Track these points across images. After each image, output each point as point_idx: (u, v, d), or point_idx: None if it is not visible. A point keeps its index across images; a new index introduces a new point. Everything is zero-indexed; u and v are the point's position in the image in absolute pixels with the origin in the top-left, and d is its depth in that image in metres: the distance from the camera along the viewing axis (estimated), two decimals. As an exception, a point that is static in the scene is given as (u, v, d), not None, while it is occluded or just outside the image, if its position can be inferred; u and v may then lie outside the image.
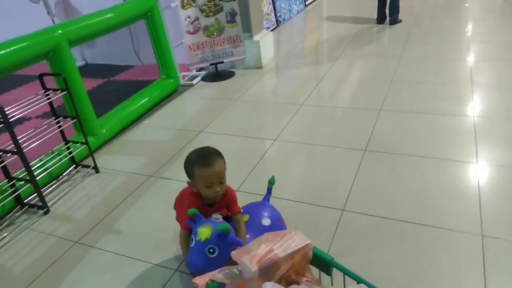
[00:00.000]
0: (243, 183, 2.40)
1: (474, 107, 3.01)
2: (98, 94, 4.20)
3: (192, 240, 1.44)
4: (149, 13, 3.53)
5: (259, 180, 2.39)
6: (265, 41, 4.40)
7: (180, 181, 2.45)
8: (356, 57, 4.38)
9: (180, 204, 1.68)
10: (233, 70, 4.37)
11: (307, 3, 7.04)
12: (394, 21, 5.41)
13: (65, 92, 2.54)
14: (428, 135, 2.71)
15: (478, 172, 2.27)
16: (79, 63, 5.21)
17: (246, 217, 1.64)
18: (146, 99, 3.49)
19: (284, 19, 6.13)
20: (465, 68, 3.75)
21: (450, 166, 2.35)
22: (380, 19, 5.49)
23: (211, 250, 1.39)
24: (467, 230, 1.86)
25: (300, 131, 2.96)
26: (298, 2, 6.66)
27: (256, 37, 4.28)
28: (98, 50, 5.27)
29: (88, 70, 5.13)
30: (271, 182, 1.80)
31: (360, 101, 3.32)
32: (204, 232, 1.40)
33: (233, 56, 4.20)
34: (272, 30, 5.69)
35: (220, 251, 1.39)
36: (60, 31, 2.61)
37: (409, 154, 2.51)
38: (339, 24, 5.84)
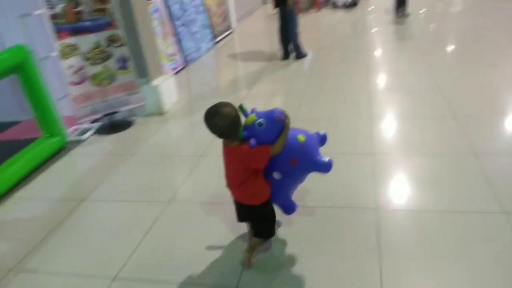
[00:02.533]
0: (124, 265, 2.02)
1: (373, 144, 2.95)
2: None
3: (246, 130, 1.71)
4: (20, 67, 3.06)
5: (148, 259, 2.03)
6: (166, 85, 4.10)
7: (49, 273, 1.99)
8: (261, 97, 4.24)
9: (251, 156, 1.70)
10: (133, 118, 4.00)
11: (216, 40, 6.94)
12: (299, 56, 5.41)
13: None
14: (324, 184, 2.46)
15: (377, 219, 2.13)
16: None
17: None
18: (20, 165, 2.97)
19: (192, 59, 5.91)
20: (365, 100, 3.74)
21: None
22: (285, 55, 5.45)
23: (260, 123, 1.68)
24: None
25: (200, 189, 2.65)
26: (207, 40, 6.51)
27: (155, 82, 3.97)
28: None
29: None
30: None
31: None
32: (250, 117, 1.72)
33: (130, 104, 3.83)
34: (179, 71, 5.44)
35: (267, 123, 1.68)
36: None
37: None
38: (247, 62, 5.75)
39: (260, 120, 1.68)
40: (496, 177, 2.36)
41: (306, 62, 5.26)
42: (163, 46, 5.23)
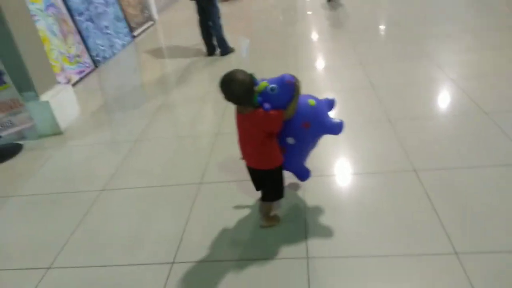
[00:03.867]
0: None
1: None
2: None
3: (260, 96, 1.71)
4: None
5: None
6: (62, 98, 3.39)
7: None
8: (179, 105, 3.67)
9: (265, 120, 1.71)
10: (22, 142, 3.27)
11: (135, 34, 6.18)
12: (225, 51, 4.88)
13: None
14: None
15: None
16: None
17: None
18: None
19: (104, 58, 5.15)
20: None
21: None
22: (210, 51, 4.90)
23: (272, 88, 1.70)
24: None
25: (86, 251, 2.08)
26: (122, 35, 5.74)
27: (44, 96, 3.25)
28: None
29: None
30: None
31: (178, 174, 2.58)
32: (262, 83, 1.72)
33: (14, 127, 3.09)
34: (87, 75, 4.68)
35: (279, 88, 1.70)
36: None
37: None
38: (168, 58, 5.11)
39: (273, 86, 1.71)
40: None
41: (231, 60, 4.74)
42: (64, 47, 4.44)
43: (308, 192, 2.21)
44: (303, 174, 2.08)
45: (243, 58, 4.75)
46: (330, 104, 1.94)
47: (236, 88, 1.64)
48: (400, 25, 5.12)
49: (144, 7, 6.77)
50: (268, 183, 1.92)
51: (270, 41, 5.27)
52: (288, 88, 1.72)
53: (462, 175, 2.18)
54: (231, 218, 2.10)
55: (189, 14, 5.05)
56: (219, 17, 4.67)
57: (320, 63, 4.28)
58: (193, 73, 4.43)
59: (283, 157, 1.85)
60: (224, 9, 5.05)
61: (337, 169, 2.42)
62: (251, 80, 1.67)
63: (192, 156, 2.77)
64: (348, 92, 3.39)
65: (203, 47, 4.94)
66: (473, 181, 2.13)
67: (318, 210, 2.07)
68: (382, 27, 5.34)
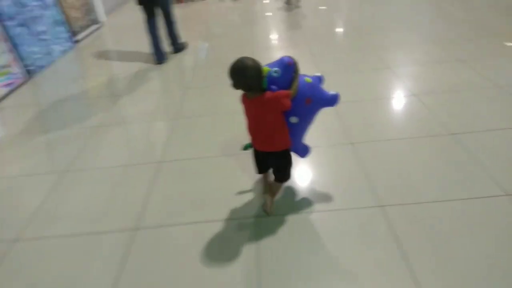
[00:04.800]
0: None
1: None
2: None
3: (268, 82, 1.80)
4: None
5: None
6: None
7: None
8: (121, 124, 3.27)
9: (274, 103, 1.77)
10: None
11: (78, 38, 5.65)
12: (179, 48, 4.83)
13: None
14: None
15: None
16: None
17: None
18: None
19: (40, 67, 4.62)
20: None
21: None
22: (160, 59, 4.54)
23: (276, 71, 1.78)
24: None
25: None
26: (62, 40, 5.21)
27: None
28: None
29: None
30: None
31: (110, 217, 2.21)
32: (264, 69, 1.77)
33: None
34: (17, 87, 4.15)
35: (281, 70, 1.78)
36: None
37: None
38: (114, 66, 4.65)
39: (275, 68, 1.79)
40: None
41: (182, 67, 4.40)
42: (-12, 56, 3.89)
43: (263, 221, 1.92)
44: (304, 151, 2.20)
45: (200, 62, 4.43)
46: (321, 79, 2.05)
47: (249, 74, 1.70)
48: (359, 31, 4.96)
49: (90, 9, 6.23)
50: (283, 163, 2.04)
51: (226, 44, 4.97)
52: (289, 69, 1.81)
53: (432, 208, 1.99)
54: (170, 275, 1.77)
55: (140, 17, 4.65)
56: (173, 14, 4.60)
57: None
58: (141, 84, 4.03)
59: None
60: (179, 12, 4.75)
61: (292, 206, 2.15)
62: (260, 65, 1.73)
63: (129, 192, 2.40)
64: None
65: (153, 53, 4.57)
66: (443, 212, 1.94)
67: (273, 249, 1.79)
68: (340, 33, 5.17)
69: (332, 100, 1.96)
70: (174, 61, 4.62)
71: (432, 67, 3.74)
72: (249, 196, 2.23)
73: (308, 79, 1.91)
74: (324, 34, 5.05)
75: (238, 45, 4.99)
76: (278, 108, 1.78)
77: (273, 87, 1.78)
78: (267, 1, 7.42)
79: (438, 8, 5.75)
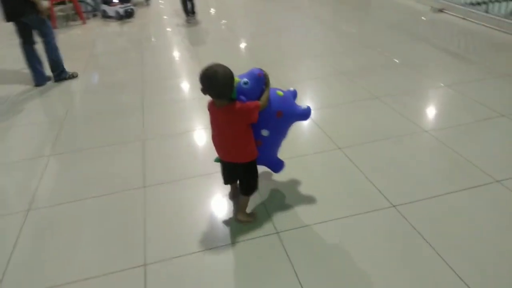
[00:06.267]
0: None
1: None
2: None
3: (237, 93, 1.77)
4: None
5: None
6: None
7: None
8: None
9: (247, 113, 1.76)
10: None
11: None
12: (60, 76, 4.11)
13: None
14: None
15: None
16: None
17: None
18: None
19: None
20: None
21: None
22: (39, 81, 3.97)
23: (245, 82, 1.76)
24: None
25: None
26: None
27: None
28: None
29: None
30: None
31: None
32: (235, 79, 1.74)
33: None
34: None
35: (251, 82, 1.77)
36: None
37: None
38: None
39: (245, 79, 1.76)
40: None
41: (63, 98, 3.58)
42: None
43: None
44: (277, 165, 2.13)
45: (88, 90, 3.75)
46: (294, 94, 2.07)
47: (221, 81, 1.66)
48: (251, 52, 4.62)
49: None
50: (247, 176, 1.97)
51: (115, 71, 4.22)
52: (259, 80, 1.80)
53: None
54: None
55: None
56: (53, 37, 4.00)
57: (165, 99, 3.56)
58: (17, 114, 3.34)
59: (258, 151, 1.91)
60: (60, 37, 4.07)
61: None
62: (232, 74, 1.70)
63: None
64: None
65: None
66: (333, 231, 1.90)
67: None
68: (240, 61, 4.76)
69: (303, 115, 1.99)
70: (54, 91, 3.89)
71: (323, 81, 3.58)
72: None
73: (280, 93, 1.92)
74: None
75: (132, 70, 4.26)
76: (245, 120, 1.76)
77: (242, 97, 1.74)
78: (166, 17, 6.88)
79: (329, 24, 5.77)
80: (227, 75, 1.66)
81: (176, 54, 4.93)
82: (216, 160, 2.00)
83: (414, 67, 3.78)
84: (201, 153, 2.68)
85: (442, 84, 3.35)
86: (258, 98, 1.78)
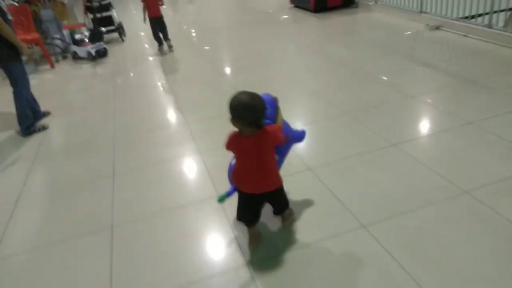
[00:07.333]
0: None
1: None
2: None
3: None
4: None
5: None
6: None
7: None
8: None
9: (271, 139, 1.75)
10: None
11: None
12: (27, 130, 3.67)
13: None
14: None
15: None
16: None
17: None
18: None
19: None
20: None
21: None
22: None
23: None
24: None
25: None
26: None
27: None
28: None
29: None
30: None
31: None
32: None
33: None
34: None
35: (268, 107, 1.73)
36: None
37: None
38: None
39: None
40: None
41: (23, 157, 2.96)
42: None
43: None
44: None
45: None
46: (303, 134, 2.14)
47: (257, 107, 1.63)
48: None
49: None
50: (278, 197, 1.94)
51: (84, 125, 3.64)
52: (273, 105, 1.84)
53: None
54: None
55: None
56: (27, 87, 3.66)
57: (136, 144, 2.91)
58: None
59: None
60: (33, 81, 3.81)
61: None
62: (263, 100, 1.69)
63: None
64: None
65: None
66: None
67: None
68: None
69: (301, 137, 2.10)
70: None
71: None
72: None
73: (282, 117, 1.96)
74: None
75: (104, 120, 3.71)
76: (276, 142, 1.75)
77: (268, 121, 1.76)
78: (142, 51, 6.43)
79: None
80: (262, 101, 1.65)
81: (151, 98, 4.38)
82: (220, 200, 1.85)
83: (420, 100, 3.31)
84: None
85: (464, 122, 2.85)
86: (272, 122, 1.82)
